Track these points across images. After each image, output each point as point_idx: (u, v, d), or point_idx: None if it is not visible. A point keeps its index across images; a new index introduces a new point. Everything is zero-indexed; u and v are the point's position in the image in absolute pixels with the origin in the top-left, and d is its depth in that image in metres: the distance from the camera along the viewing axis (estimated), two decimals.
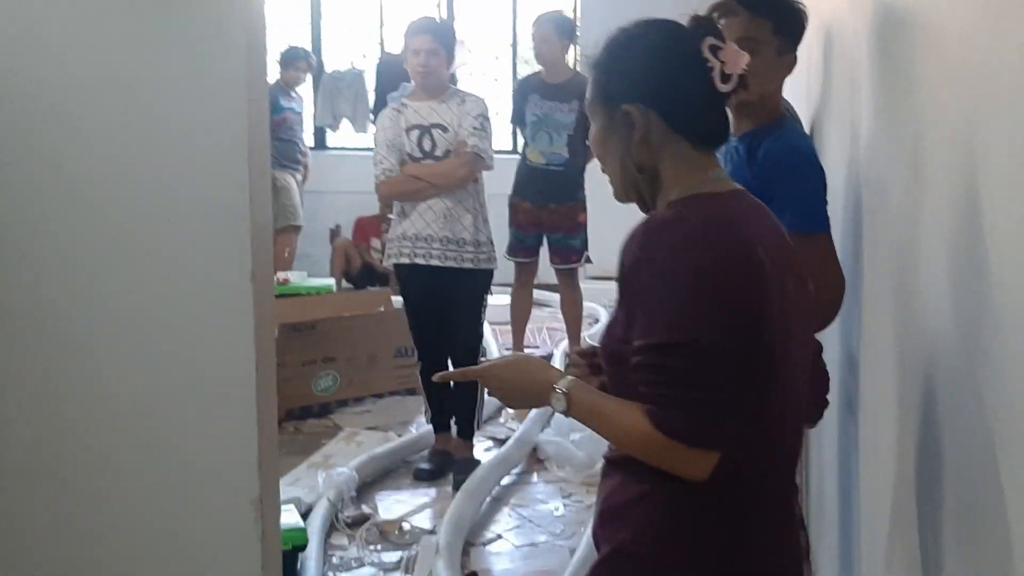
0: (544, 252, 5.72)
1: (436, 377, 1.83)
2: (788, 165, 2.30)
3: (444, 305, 4.20)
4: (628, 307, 1.51)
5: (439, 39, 4.11)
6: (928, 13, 1.71)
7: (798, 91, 3.42)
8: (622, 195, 1.65)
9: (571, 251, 5.56)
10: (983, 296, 1.34)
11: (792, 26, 2.38)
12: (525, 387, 1.64)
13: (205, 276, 2.09)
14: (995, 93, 1.30)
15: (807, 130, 3.13)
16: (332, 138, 8.68)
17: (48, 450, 2.14)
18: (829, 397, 2.75)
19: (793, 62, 2.41)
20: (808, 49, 3.23)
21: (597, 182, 5.86)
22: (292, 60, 7.43)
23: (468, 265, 4.15)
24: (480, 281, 4.22)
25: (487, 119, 4.17)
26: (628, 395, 1.49)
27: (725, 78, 1.56)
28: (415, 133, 4.14)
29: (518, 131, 5.84)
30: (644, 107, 1.57)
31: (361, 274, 7.40)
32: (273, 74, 7.46)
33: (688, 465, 1.46)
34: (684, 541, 1.52)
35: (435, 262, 4.13)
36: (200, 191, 2.07)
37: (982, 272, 1.35)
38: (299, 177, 7.51)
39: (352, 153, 8.30)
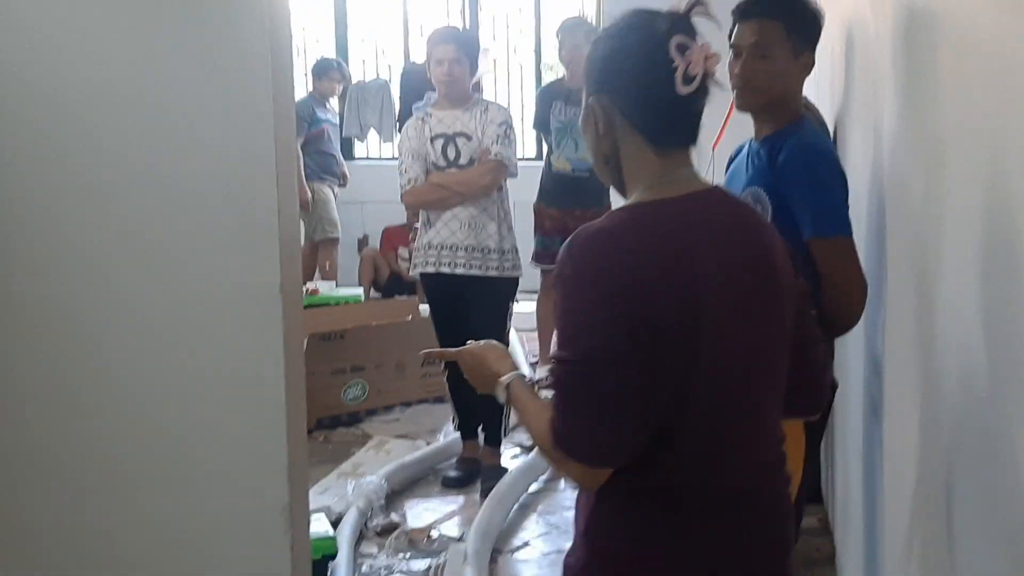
0: None
1: (422, 353, 1.90)
2: (807, 168, 2.30)
3: (470, 313, 4.21)
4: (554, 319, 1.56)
5: (462, 48, 4.12)
6: (949, 13, 1.71)
7: (823, 92, 3.42)
8: (602, 180, 1.70)
9: None
10: (1008, 300, 1.34)
11: (806, 27, 2.38)
12: (482, 373, 1.71)
13: (235, 288, 2.11)
14: (1016, 92, 1.30)
15: (831, 130, 3.12)
16: (359, 148, 8.73)
17: (81, 457, 2.18)
18: (855, 400, 2.75)
19: (810, 63, 2.40)
20: (831, 50, 3.23)
21: None
22: (325, 71, 7.41)
23: (493, 273, 4.16)
24: (505, 289, 4.24)
25: (511, 127, 4.18)
26: None
27: (687, 79, 1.53)
28: (439, 142, 4.16)
29: (543, 138, 5.83)
30: (607, 100, 1.59)
31: (389, 283, 7.43)
32: (307, 86, 7.49)
33: (577, 475, 1.53)
34: (620, 537, 1.57)
35: (460, 271, 4.15)
36: (229, 205, 2.10)
37: (1007, 275, 1.35)
38: (337, 189, 7.50)
39: (379, 163, 8.34)
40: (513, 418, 4.75)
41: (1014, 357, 1.30)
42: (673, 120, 1.58)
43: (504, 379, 1.65)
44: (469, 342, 1.76)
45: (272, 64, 2.07)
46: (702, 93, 1.56)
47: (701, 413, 1.51)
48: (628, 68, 1.57)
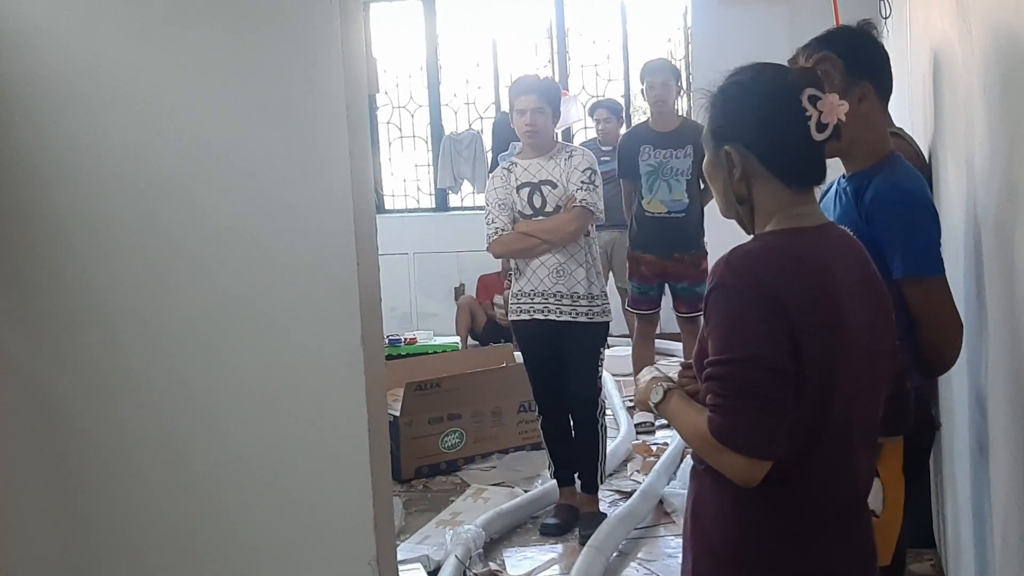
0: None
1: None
2: (896, 207, 2.23)
3: (561, 359, 4.20)
4: (707, 327, 1.70)
5: (544, 97, 4.14)
6: None
7: (916, 120, 3.34)
8: (726, 215, 1.84)
9: (697, 299, 5.47)
10: None
11: (853, 58, 2.32)
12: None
13: (317, 342, 2.14)
14: None
15: (926, 158, 3.03)
16: (453, 199, 8.86)
17: (171, 505, 2.23)
18: (962, 441, 2.66)
19: (867, 92, 2.33)
20: (922, 77, 3.15)
21: (717, 228, 5.77)
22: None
23: (583, 319, 4.14)
24: (595, 334, 4.21)
25: (595, 172, 4.18)
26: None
27: (821, 127, 1.70)
28: (525, 191, 4.19)
29: (630, 184, 5.78)
30: (744, 148, 1.75)
31: (486, 331, 7.48)
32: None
33: (737, 470, 1.64)
34: (759, 541, 1.72)
35: (552, 317, 4.14)
36: (307, 259, 2.13)
37: None
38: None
39: (473, 213, 8.43)
40: (611, 463, 4.71)
41: None
42: (807, 163, 1.76)
43: (664, 384, 1.80)
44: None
45: (348, 116, 2.11)
46: (831, 137, 1.73)
47: (838, 424, 1.67)
48: (765, 118, 1.74)
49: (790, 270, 1.67)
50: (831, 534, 1.73)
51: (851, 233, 1.87)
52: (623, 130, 6.97)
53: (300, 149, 2.13)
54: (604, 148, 6.50)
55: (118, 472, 2.23)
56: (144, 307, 2.20)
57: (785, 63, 1.85)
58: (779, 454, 1.63)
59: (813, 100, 1.70)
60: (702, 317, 1.77)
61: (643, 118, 6.24)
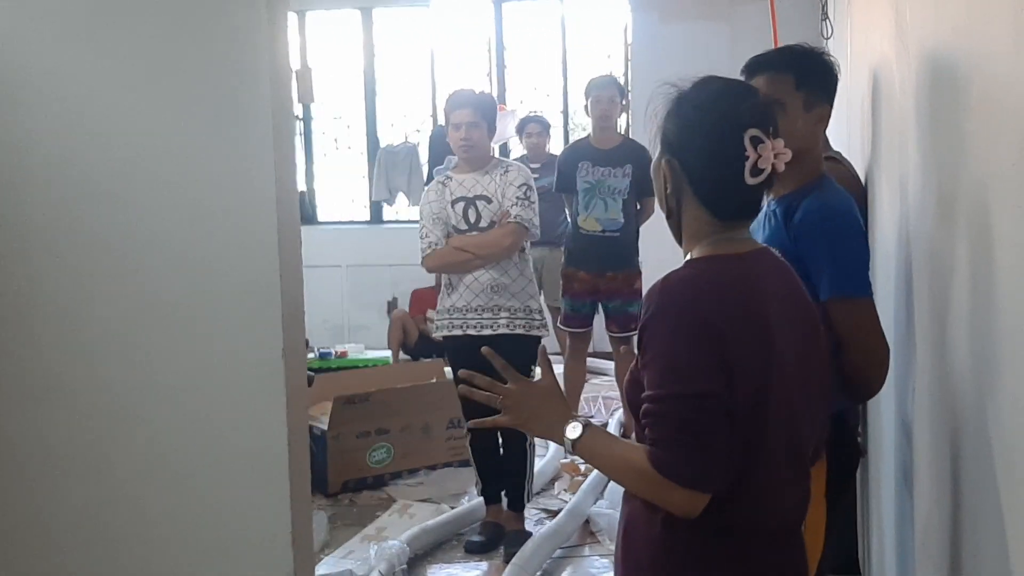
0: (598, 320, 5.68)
1: (463, 378, 1.96)
2: (825, 227, 2.23)
3: (492, 376, 4.15)
4: (643, 358, 1.64)
5: (479, 111, 4.12)
6: (972, 63, 1.64)
7: (854, 142, 3.36)
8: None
9: (630, 318, 5.47)
10: None
11: (817, 79, 2.32)
12: (543, 414, 1.77)
13: (238, 353, 2.11)
14: None
15: (863, 180, 3.06)
16: (388, 211, 8.79)
17: (87, 516, 2.19)
18: (888, 467, 2.67)
19: (826, 114, 2.34)
20: (861, 99, 3.18)
21: (650, 248, 5.77)
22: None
23: (520, 331, 4.12)
24: (529, 348, 4.17)
25: (531, 188, 4.16)
26: (644, 440, 1.62)
27: (756, 171, 1.63)
28: (460, 205, 4.15)
29: (566, 200, 5.77)
30: (679, 165, 1.68)
31: (418, 345, 7.41)
32: None
33: (678, 502, 1.60)
34: (687, 564, 1.67)
35: (486, 332, 4.10)
36: (233, 275, 2.10)
37: None
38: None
39: (407, 226, 8.37)
40: (538, 482, 4.68)
41: None
42: (735, 201, 1.69)
43: (579, 419, 1.70)
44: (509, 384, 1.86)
45: (274, 124, 2.09)
46: (767, 182, 1.66)
47: (770, 450, 1.64)
48: (703, 146, 1.66)
49: (723, 297, 1.62)
50: (760, 559, 1.69)
51: (782, 258, 1.85)
52: (550, 144, 6.98)
53: (224, 157, 2.11)
54: (533, 165, 6.47)
55: (33, 475, 2.19)
56: (64, 311, 2.17)
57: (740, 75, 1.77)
58: (718, 485, 1.59)
59: (755, 142, 1.62)
60: (635, 339, 1.72)
61: (582, 134, 6.24)
